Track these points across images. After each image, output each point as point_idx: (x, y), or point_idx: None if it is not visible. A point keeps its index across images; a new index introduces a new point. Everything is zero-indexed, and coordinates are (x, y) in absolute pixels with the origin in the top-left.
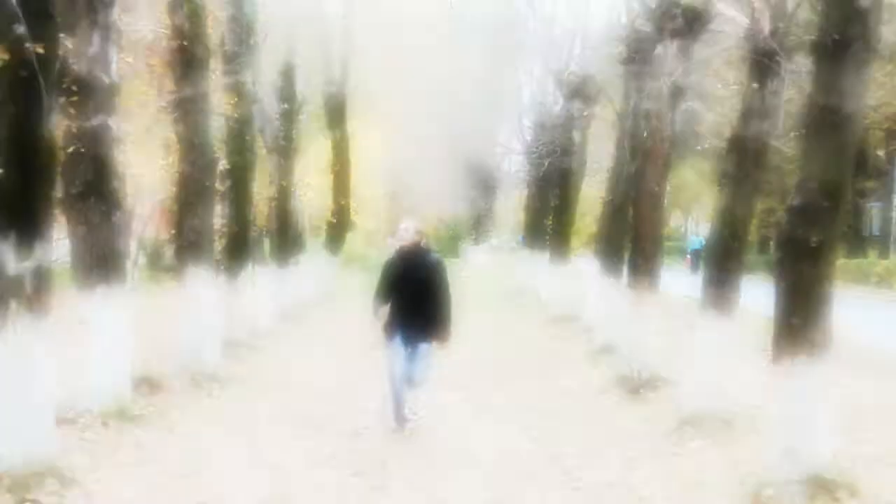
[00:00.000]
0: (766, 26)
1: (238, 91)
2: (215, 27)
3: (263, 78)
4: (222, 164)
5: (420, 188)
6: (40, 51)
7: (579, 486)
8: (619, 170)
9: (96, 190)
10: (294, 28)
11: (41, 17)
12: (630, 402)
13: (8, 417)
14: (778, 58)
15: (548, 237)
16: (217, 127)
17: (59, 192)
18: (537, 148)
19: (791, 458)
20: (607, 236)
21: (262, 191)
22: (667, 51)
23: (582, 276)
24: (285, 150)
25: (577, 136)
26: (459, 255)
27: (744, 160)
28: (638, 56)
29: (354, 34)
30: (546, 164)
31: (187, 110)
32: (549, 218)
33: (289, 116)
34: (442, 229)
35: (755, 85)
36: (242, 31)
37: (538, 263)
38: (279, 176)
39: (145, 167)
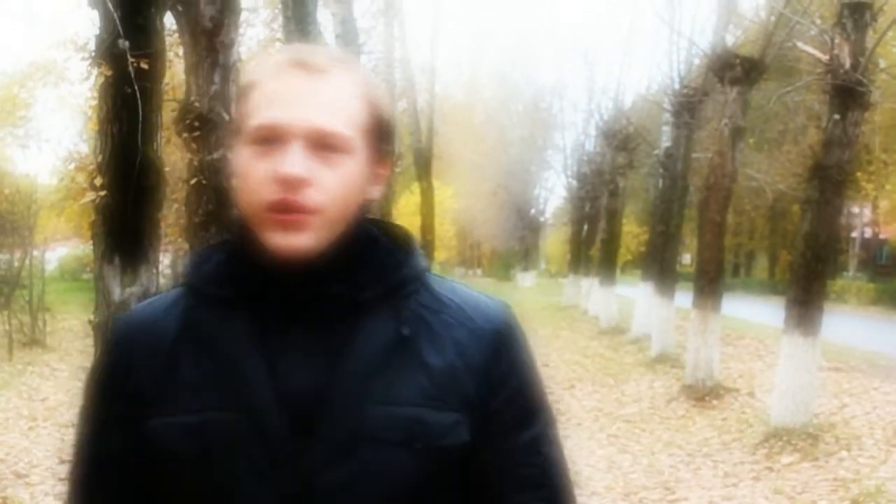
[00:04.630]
0: (846, 60)
1: None
2: None
3: None
4: None
5: (482, 228)
6: (145, 66)
7: None
8: (666, 206)
9: (217, 219)
10: (391, 95)
11: (145, 33)
12: (699, 409)
13: None
14: (860, 89)
15: (595, 264)
16: None
17: (183, 220)
18: (586, 192)
19: None
20: (661, 261)
21: None
22: (727, 97)
23: (628, 294)
24: (384, 195)
25: (620, 181)
26: (511, 280)
27: (826, 187)
28: (687, 108)
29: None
30: (588, 206)
31: None
32: (592, 248)
33: None
34: (497, 259)
35: (837, 116)
36: None
37: (583, 285)
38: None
39: None
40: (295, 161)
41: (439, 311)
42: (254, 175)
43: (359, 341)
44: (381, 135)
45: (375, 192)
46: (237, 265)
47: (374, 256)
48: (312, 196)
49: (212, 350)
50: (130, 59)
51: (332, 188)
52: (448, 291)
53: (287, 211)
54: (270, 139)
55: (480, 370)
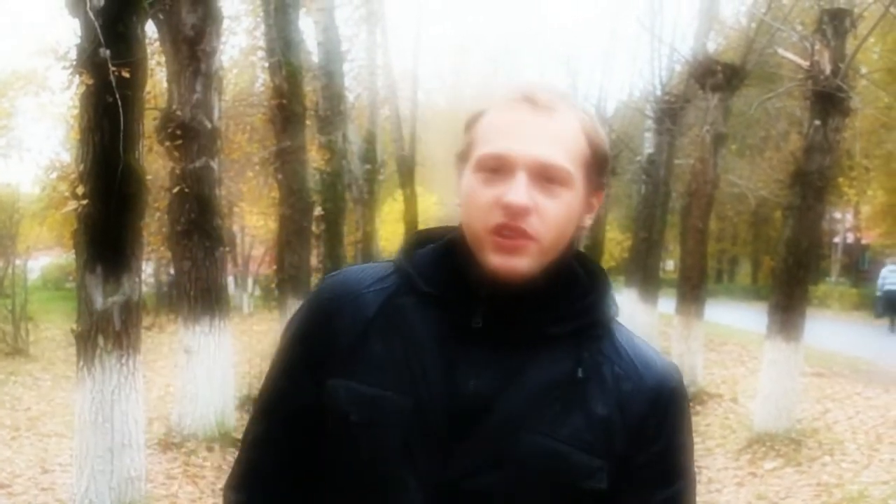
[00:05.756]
0: (827, 66)
1: (330, 148)
2: (311, 94)
3: (350, 143)
4: (318, 210)
5: None
6: (126, 75)
7: None
8: (649, 212)
9: (200, 227)
10: (374, 103)
11: (126, 41)
12: None
13: (98, 458)
14: (840, 95)
15: None
16: (314, 179)
17: (165, 228)
18: None
19: None
20: (644, 267)
21: (350, 235)
22: (709, 103)
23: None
24: (368, 202)
25: None
26: None
27: (807, 192)
28: (669, 114)
29: (420, 115)
30: None
31: (286, 160)
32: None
33: (371, 175)
34: None
35: (817, 122)
36: (333, 99)
37: None
38: (364, 223)
39: (259, 220)
40: (520, 190)
41: (614, 363)
42: (480, 199)
43: (534, 370)
44: (598, 168)
45: (587, 221)
46: (446, 268)
47: (571, 293)
48: (533, 224)
49: (404, 336)
50: (112, 68)
51: (552, 218)
52: (626, 343)
53: (509, 236)
54: (497, 167)
55: (634, 426)
